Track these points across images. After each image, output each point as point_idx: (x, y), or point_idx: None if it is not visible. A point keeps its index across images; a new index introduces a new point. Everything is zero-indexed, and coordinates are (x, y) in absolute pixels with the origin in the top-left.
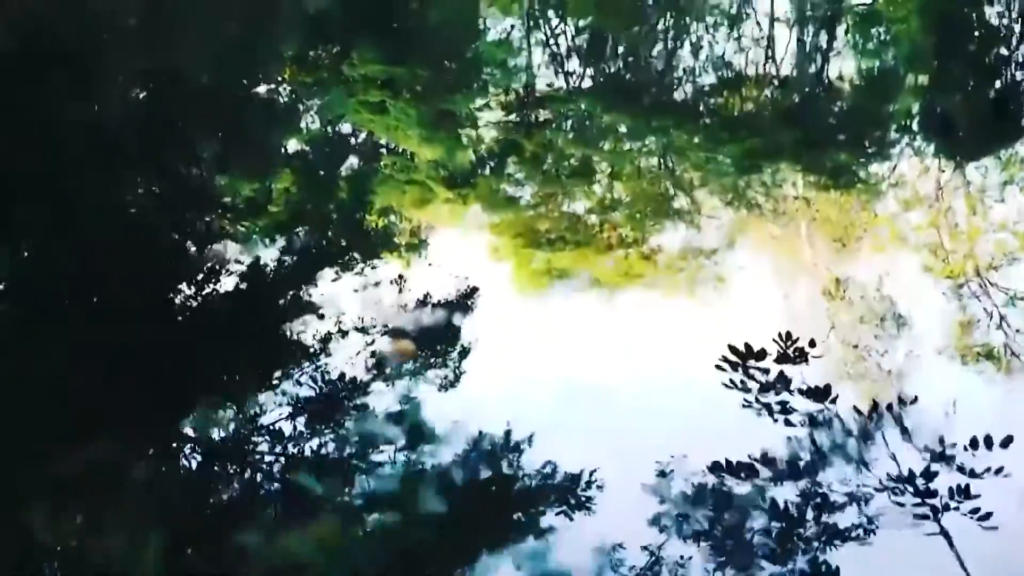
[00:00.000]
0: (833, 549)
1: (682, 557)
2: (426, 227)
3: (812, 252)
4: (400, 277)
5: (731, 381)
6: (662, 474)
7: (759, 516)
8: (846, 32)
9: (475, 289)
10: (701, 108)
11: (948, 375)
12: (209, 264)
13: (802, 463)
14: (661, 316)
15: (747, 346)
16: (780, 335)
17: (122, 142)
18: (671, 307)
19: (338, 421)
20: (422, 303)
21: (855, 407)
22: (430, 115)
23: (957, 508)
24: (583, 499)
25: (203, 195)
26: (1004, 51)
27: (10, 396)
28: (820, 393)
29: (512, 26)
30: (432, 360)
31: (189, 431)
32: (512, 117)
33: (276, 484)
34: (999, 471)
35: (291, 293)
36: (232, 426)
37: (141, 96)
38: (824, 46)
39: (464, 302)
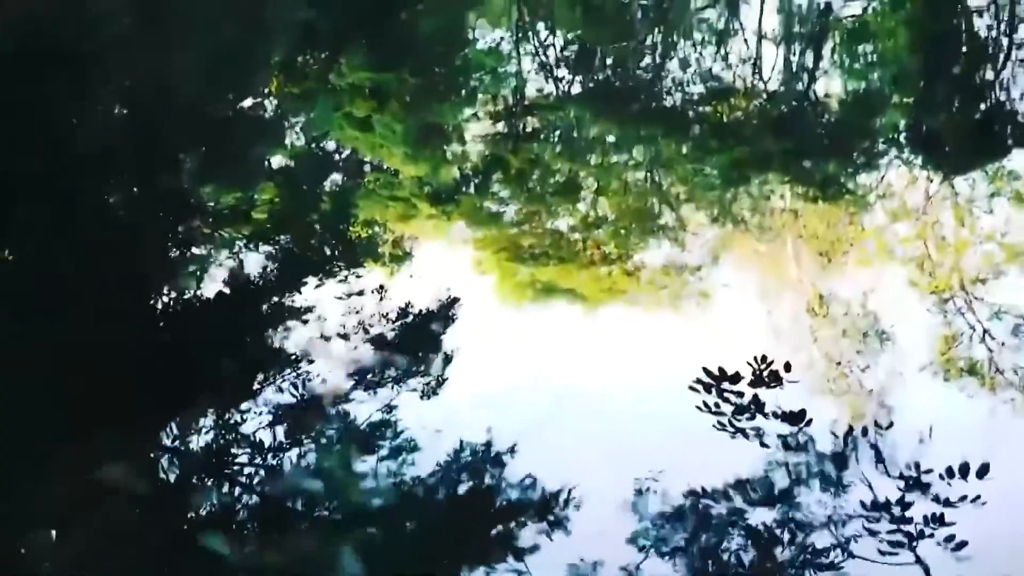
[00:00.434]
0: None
1: None
2: (409, 238)
3: (797, 268)
4: (381, 287)
5: (704, 404)
6: (639, 492)
7: (737, 536)
8: (833, 51)
9: (456, 299)
10: (690, 115)
11: (930, 392)
12: (191, 269)
13: (777, 489)
14: (644, 332)
15: (721, 369)
16: (755, 358)
17: (110, 147)
18: (654, 323)
19: (319, 430)
20: (403, 312)
21: (831, 432)
22: (416, 129)
23: (932, 536)
24: (561, 518)
25: (186, 201)
26: (991, 70)
27: None
28: (794, 417)
29: (501, 37)
30: (413, 368)
31: (168, 441)
32: (500, 128)
33: (255, 497)
34: (975, 499)
35: (274, 299)
36: (212, 435)
37: (126, 106)
38: (811, 65)
39: (445, 312)
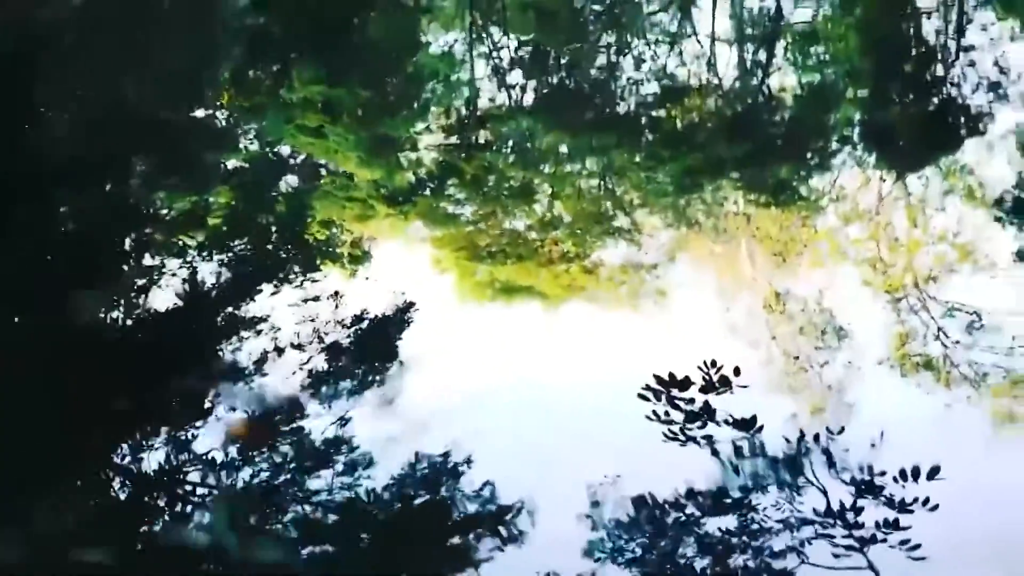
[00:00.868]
0: None
1: None
2: (368, 238)
3: (752, 268)
4: (336, 293)
5: (655, 413)
6: (595, 504)
7: (693, 543)
8: (785, 50)
9: (411, 304)
10: (643, 122)
11: (887, 387)
12: (143, 280)
13: (729, 499)
14: (602, 330)
15: (671, 375)
16: (705, 363)
17: (58, 159)
18: (613, 321)
19: (273, 445)
20: (359, 319)
21: (784, 437)
22: (369, 140)
23: (885, 540)
24: (516, 530)
25: (138, 208)
26: (941, 68)
27: None
28: (745, 424)
29: (455, 40)
30: (369, 378)
31: (120, 460)
32: (453, 140)
33: (208, 515)
34: (926, 502)
35: (228, 310)
36: (164, 454)
37: (75, 112)
38: (764, 62)
39: (401, 317)
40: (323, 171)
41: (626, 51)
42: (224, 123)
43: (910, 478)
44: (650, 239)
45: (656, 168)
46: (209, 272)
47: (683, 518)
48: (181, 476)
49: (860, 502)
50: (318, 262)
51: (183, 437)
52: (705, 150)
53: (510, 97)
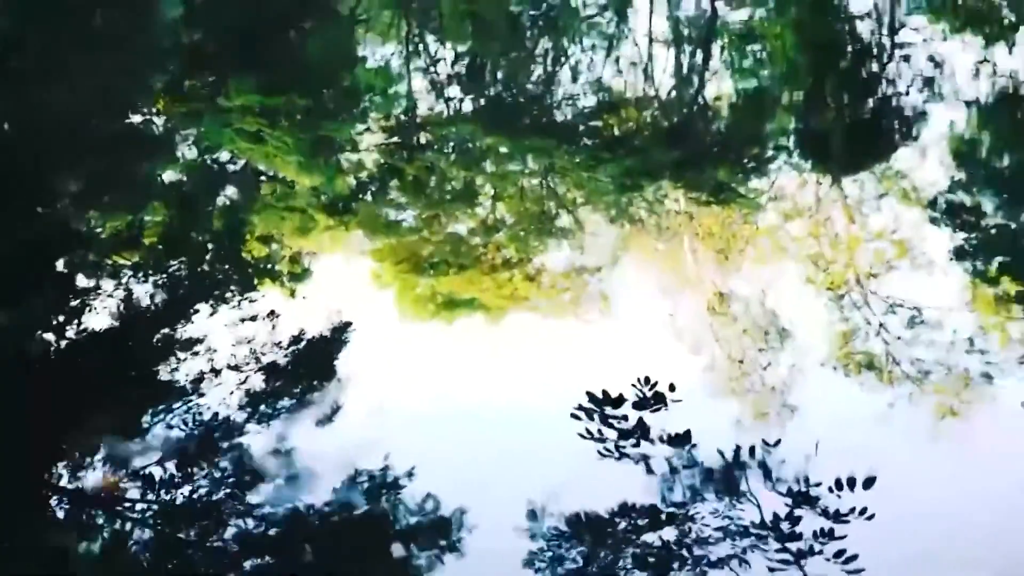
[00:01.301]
0: None
1: None
2: (307, 253)
3: (696, 266)
4: (272, 313)
5: (588, 431)
6: (532, 515)
7: (633, 554)
8: (722, 51)
9: (348, 324)
10: (581, 129)
11: (831, 387)
12: (76, 303)
13: (663, 515)
14: (545, 341)
15: (605, 392)
16: (639, 380)
17: None
18: (555, 331)
19: (212, 462)
20: (296, 339)
21: (718, 451)
22: (308, 143)
23: (821, 552)
24: (455, 542)
25: (68, 231)
26: (876, 67)
27: None
28: (680, 440)
29: (392, 53)
30: (307, 395)
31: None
32: (394, 139)
33: (148, 532)
34: (863, 512)
35: (164, 331)
36: (101, 473)
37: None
38: (701, 66)
39: (338, 336)
40: (262, 179)
41: (563, 60)
42: (161, 129)
43: (846, 487)
44: (593, 239)
45: (596, 168)
46: (144, 292)
47: (624, 528)
48: (119, 494)
49: (797, 512)
50: (255, 282)
51: (120, 455)
52: (643, 154)
53: (448, 107)
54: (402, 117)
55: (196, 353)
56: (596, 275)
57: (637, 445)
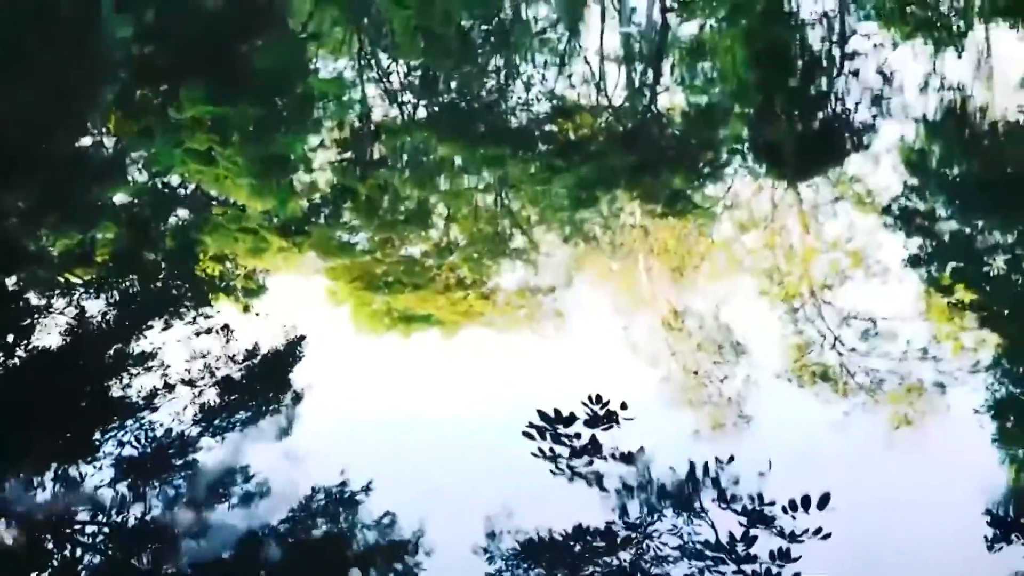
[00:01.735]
0: None
1: None
2: (262, 271)
3: (650, 283)
4: (226, 327)
5: (540, 450)
6: (491, 535)
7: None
8: (673, 68)
9: (303, 337)
10: (536, 134)
11: (786, 399)
12: (26, 322)
13: (619, 537)
14: (501, 357)
15: (556, 411)
16: (590, 398)
17: None
18: (511, 347)
19: (165, 481)
20: (251, 354)
21: (670, 468)
22: (260, 161)
23: (779, 574)
24: (412, 563)
25: (18, 248)
26: (825, 83)
27: None
28: (632, 457)
29: (344, 67)
30: (263, 410)
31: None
32: (347, 155)
33: (98, 556)
34: (818, 531)
35: (117, 347)
36: (51, 494)
37: None
38: (652, 82)
39: (293, 350)
40: (214, 203)
41: (515, 74)
42: (111, 151)
43: (800, 508)
44: (547, 259)
45: (551, 180)
46: (97, 309)
47: (583, 547)
48: (69, 516)
49: (752, 532)
50: (210, 297)
51: (71, 475)
52: (598, 160)
53: (402, 113)
54: (356, 124)
55: (149, 368)
56: (550, 295)
57: (590, 463)
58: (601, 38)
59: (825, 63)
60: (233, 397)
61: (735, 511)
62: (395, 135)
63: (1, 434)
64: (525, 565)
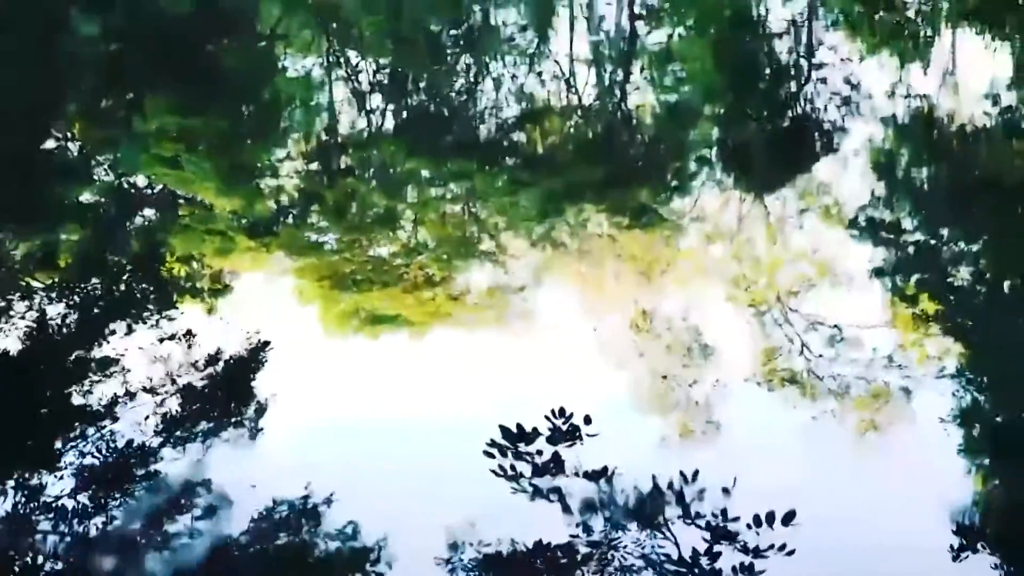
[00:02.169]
0: None
1: None
2: (229, 272)
3: (618, 287)
4: (189, 333)
5: (501, 468)
6: (453, 546)
7: None
8: (642, 70)
9: (267, 343)
10: (505, 144)
11: (755, 403)
12: None
13: (581, 555)
14: (468, 359)
15: (518, 427)
16: (553, 412)
17: None
18: (479, 351)
19: (127, 491)
20: (213, 360)
21: (635, 486)
22: (226, 169)
23: None
24: (375, 573)
25: None
26: (794, 86)
27: None
28: (596, 475)
29: (313, 65)
30: (226, 419)
31: None
32: (314, 166)
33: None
34: (783, 548)
35: (78, 353)
36: (11, 503)
37: None
38: (622, 82)
39: (256, 357)
40: (181, 202)
41: (485, 73)
42: (76, 154)
43: (765, 524)
44: (516, 261)
45: (518, 193)
46: (58, 313)
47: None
48: (30, 525)
49: (716, 548)
50: (175, 299)
51: (32, 484)
52: (565, 174)
53: (370, 123)
54: (323, 136)
55: (110, 375)
56: (520, 294)
57: (554, 477)
58: (571, 45)
59: (792, 74)
60: (195, 406)
61: (699, 527)
62: (362, 148)
63: None
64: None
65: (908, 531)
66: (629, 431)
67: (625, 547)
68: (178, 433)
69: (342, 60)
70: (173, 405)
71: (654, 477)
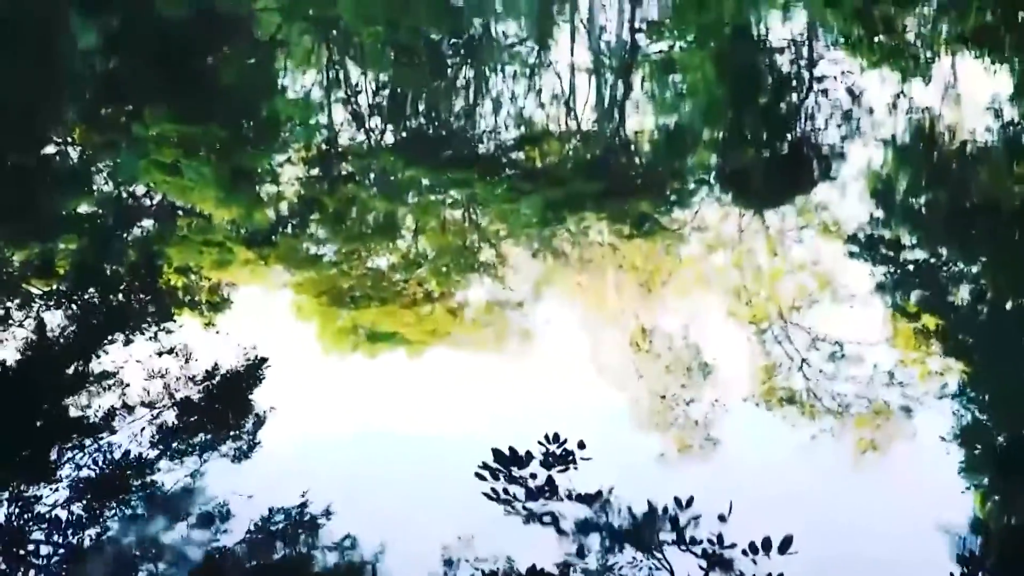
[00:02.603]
0: None
1: None
2: (227, 284)
3: (619, 299)
4: (186, 347)
5: (493, 491)
6: (448, 562)
7: None
8: (643, 83)
9: (264, 359)
10: (504, 160)
11: (753, 422)
12: None
13: None
14: (466, 379)
15: (512, 450)
16: (547, 437)
17: None
18: (477, 369)
19: (122, 502)
20: (211, 374)
21: (628, 508)
22: (226, 174)
23: None
24: None
25: None
26: (795, 99)
27: None
28: (589, 498)
29: (312, 83)
30: (223, 432)
31: None
32: (315, 172)
33: None
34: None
35: (76, 364)
36: (4, 515)
37: None
38: (622, 98)
39: (254, 372)
40: (180, 212)
41: (485, 90)
42: (76, 162)
43: (761, 551)
44: (516, 274)
45: (519, 200)
46: (56, 323)
47: None
48: (23, 536)
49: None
50: (173, 311)
51: (27, 495)
52: (565, 185)
53: (369, 138)
54: (323, 147)
55: (108, 388)
56: (519, 310)
57: (547, 501)
58: (572, 56)
59: (793, 86)
60: (192, 419)
61: (695, 554)
62: (362, 158)
63: None
64: None
65: (908, 550)
66: (626, 448)
67: (620, 568)
68: (175, 445)
69: (341, 75)
70: (170, 418)
71: (649, 502)
